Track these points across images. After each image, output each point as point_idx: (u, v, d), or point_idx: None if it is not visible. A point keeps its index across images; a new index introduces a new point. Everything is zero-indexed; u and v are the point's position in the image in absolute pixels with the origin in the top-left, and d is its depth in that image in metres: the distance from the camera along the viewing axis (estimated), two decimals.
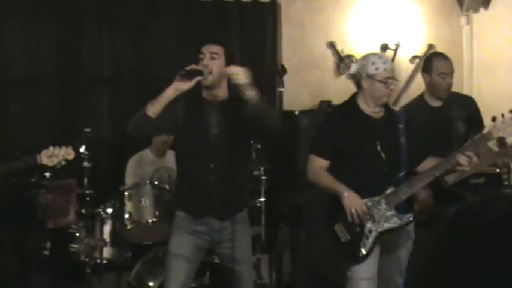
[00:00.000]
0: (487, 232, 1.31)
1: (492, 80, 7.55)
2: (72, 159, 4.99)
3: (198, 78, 4.16)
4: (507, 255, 1.29)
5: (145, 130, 4.39)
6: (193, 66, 4.19)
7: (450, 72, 5.08)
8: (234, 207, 4.36)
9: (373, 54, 4.61)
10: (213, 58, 4.25)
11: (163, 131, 4.70)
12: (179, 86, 4.15)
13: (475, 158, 4.33)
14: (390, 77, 4.39)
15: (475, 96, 7.40)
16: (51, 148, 4.85)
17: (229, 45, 4.44)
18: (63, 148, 4.86)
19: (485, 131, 4.43)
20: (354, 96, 4.54)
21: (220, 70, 4.26)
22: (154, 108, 4.15)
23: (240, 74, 4.12)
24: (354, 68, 4.50)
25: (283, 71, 4.48)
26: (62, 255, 5.49)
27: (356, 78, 4.46)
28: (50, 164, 4.84)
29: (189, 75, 4.15)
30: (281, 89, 4.47)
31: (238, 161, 4.32)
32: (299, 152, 6.29)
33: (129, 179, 6.03)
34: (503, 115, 4.33)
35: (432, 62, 5.15)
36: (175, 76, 4.17)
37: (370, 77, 4.37)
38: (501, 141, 4.91)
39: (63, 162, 4.88)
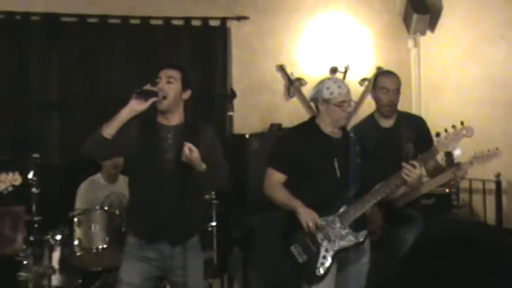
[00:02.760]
0: (445, 248, 1.47)
1: (439, 101, 7.68)
2: (20, 185, 4.91)
3: (153, 99, 4.15)
4: (462, 267, 1.45)
5: (100, 152, 4.32)
6: (148, 86, 4.17)
7: (393, 88, 5.13)
8: (186, 232, 4.33)
9: (329, 78, 4.71)
10: (169, 82, 4.25)
11: (117, 154, 4.64)
12: (134, 107, 4.12)
13: (418, 171, 4.39)
14: (346, 100, 4.47)
15: (423, 116, 7.54)
16: None
17: (186, 70, 4.42)
18: (10, 174, 4.77)
19: (431, 148, 4.50)
20: (313, 118, 4.64)
21: (176, 94, 4.26)
22: (109, 130, 4.11)
23: (194, 153, 4.13)
24: (311, 93, 4.61)
25: (233, 95, 4.49)
26: (10, 284, 5.38)
27: (314, 102, 4.59)
28: None
29: (144, 94, 4.13)
30: (231, 113, 4.45)
31: (191, 186, 4.30)
32: (250, 175, 6.29)
33: (80, 205, 5.95)
34: (446, 130, 4.41)
35: (377, 77, 5.25)
36: (129, 97, 4.14)
37: (326, 101, 4.47)
38: (448, 157, 4.99)
39: (10, 188, 4.79)
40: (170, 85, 4.24)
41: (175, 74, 4.28)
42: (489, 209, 6.99)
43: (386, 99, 5.10)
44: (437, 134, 4.47)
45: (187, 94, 4.33)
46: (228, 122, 4.44)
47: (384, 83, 5.13)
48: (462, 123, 4.45)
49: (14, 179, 4.71)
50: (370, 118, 5.28)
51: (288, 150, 4.52)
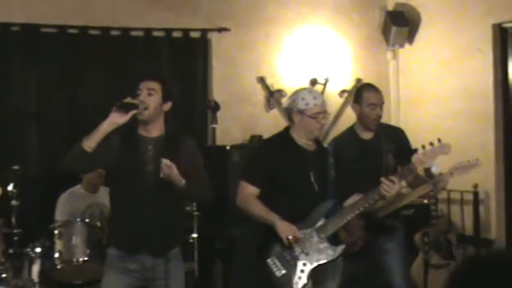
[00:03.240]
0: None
1: (418, 112, 7.75)
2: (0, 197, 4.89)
3: (134, 111, 4.15)
4: None
5: (81, 165, 4.32)
6: (128, 99, 4.18)
7: (379, 103, 5.15)
8: (167, 243, 4.33)
9: (304, 89, 4.68)
10: (150, 94, 4.25)
11: (98, 166, 4.63)
12: (115, 120, 4.12)
13: (397, 186, 4.42)
14: (321, 112, 4.45)
15: (401, 127, 7.60)
16: None
17: (167, 81, 4.43)
18: None
19: (410, 162, 4.54)
20: (287, 129, 4.59)
21: (156, 106, 4.27)
22: (90, 143, 4.10)
23: (172, 169, 4.13)
24: (286, 102, 4.56)
25: (217, 107, 4.49)
26: None
27: (288, 113, 4.53)
28: None
29: (125, 107, 4.13)
30: (214, 126, 4.45)
31: (172, 198, 4.30)
32: (231, 186, 6.29)
33: (59, 216, 5.92)
34: (423, 146, 4.45)
35: (362, 93, 5.20)
36: (109, 109, 4.14)
37: (300, 112, 4.42)
38: (427, 171, 5.03)
39: None
40: (151, 97, 4.25)
41: (156, 86, 4.28)
42: (467, 219, 7.07)
43: (375, 115, 5.12)
44: (415, 150, 4.51)
45: (167, 106, 4.34)
46: (211, 134, 4.43)
47: (370, 99, 5.12)
48: (439, 140, 4.48)
49: None
50: (350, 130, 5.29)
51: (261, 163, 4.47)
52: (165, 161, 4.11)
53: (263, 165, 4.45)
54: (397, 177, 4.44)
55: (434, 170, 4.94)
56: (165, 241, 4.30)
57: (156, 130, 4.33)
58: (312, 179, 4.43)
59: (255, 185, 4.43)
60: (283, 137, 4.56)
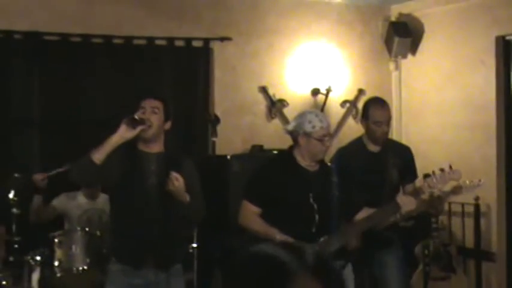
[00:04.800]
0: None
1: (420, 124, 7.74)
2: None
3: (142, 127, 4.20)
4: None
5: (90, 177, 4.35)
6: (139, 114, 4.24)
7: (385, 120, 5.16)
8: (171, 256, 4.39)
9: (310, 112, 4.72)
10: (154, 112, 4.35)
11: (105, 180, 4.64)
12: (124, 134, 4.20)
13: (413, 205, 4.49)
14: (326, 135, 4.49)
15: (403, 139, 7.63)
16: None
17: (168, 100, 4.54)
18: None
19: (417, 186, 4.56)
20: (290, 149, 4.62)
21: (159, 124, 4.37)
22: (99, 155, 4.16)
23: (180, 182, 4.21)
24: (291, 125, 4.59)
25: (217, 120, 4.53)
26: None
27: (293, 135, 4.55)
28: None
29: (133, 122, 4.19)
30: (214, 139, 4.50)
31: (174, 211, 4.33)
32: (231, 196, 6.29)
33: (57, 202, 5.92)
34: (434, 172, 4.47)
35: (368, 110, 5.22)
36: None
37: (307, 134, 4.46)
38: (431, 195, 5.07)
39: None
40: (155, 115, 4.36)
41: (159, 105, 4.40)
42: (468, 231, 7.07)
43: (380, 132, 5.15)
44: (426, 176, 4.53)
45: (168, 125, 4.46)
46: (211, 147, 4.45)
47: (376, 117, 5.14)
48: (450, 167, 4.51)
49: None
50: (358, 141, 5.32)
51: (263, 183, 4.53)
52: (175, 174, 4.16)
53: (264, 186, 4.52)
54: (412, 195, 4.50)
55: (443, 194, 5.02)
56: (169, 254, 4.37)
57: (156, 147, 4.44)
58: (311, 200, 4.47)
59: (256, 205, 4.51)
60: (286, 158, 4.61)
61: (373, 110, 5.18)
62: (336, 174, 4.61)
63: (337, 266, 4.45)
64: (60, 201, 6.00)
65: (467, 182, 5.03)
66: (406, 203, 4.48)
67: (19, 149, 6.47)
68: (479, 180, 4.95)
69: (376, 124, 5.13)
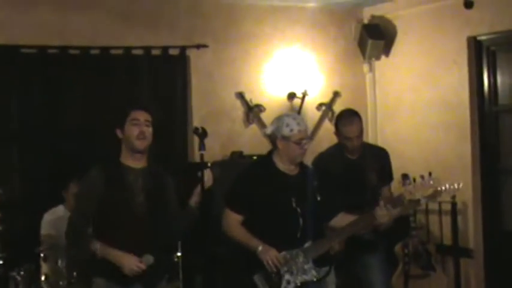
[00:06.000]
0: None
1: (395, 124, 7.85)
2: None
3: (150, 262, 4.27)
4: None
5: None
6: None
7: (356, 135, 5.21)
8: (159, 273, 4.39)
9: (288, 115, 4.73)
10: (147, 126, 4.37)
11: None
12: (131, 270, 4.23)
13: (389, 214, 4.55)
14: (304, 138, 4.53)
15: (379, 139, 7.74)
16: None
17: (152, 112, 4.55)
18: None
19: (400, 193, 4.61)
20: (269, 154, 4.64)
21: (151, 137, 4.40)
22: (100, 254, 4.23)
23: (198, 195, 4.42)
24: (269, 129, 4.59)
25: (204, 134, 4.56)
26: None
27: (271, 139, 4.58)
28: None
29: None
30: (202, 152, 4.53)
31: (161, 228, 4.35)
32: (212, 203, 6.32)
33: (45, 231, 5.90)
34: (414, 180, 4.55)
35: (338, 127, 5.27)
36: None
37: (285, 138, 4.49)
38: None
39: None
40: (148, 128, 4.37)
41: (150, 117, 4.41)
42: (445, 229, 7.18)
43: (351, 146, 5.24)
44: (404, 176, 4.60)
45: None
46: (200, 160, 4.50)
47: (346, 133, 5.22)
48: (430, 174, 4.58)
49: None
50: (337, 147, 5.38)
51: (244, 191, 4.54)
52: (198, 189, 4.32)
53: (245, 193, 4.53)
54: (391, 205, 4.54)
55: (423, 202, 5.10)
56: (157, 271, 4.36)
57: (143, 161, 4.43)
58: (294, 204, 4.50)
59: (238, 213, 4.53)
60: (265, 163, 4.62)
61: (342, 126, 5.24)
62: (316, 176, 4.65)
63: (322, 272, 4.53)
64: (47, 225, 5.97)
65: (447, 185, 5.11)
66: (381, 216, 4.53)
67: None
68: (458, 184, 5.03)
69: (347, 140, 5.22)
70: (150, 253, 4.27)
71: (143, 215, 4.29)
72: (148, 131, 4.36)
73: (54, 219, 5.97)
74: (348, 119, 5.27)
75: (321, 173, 4.73)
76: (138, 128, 4.32)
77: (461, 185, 4.84)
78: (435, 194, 4.97)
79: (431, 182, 4.55)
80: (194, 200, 4.46)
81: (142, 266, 4.20)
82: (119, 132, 4.40)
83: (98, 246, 4.23)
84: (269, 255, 4.38)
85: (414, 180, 4.55)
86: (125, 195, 4.30)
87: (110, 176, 4.32)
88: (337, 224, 4.64)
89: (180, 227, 4.55)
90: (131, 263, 4.20)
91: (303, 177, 4.61)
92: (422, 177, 4.54)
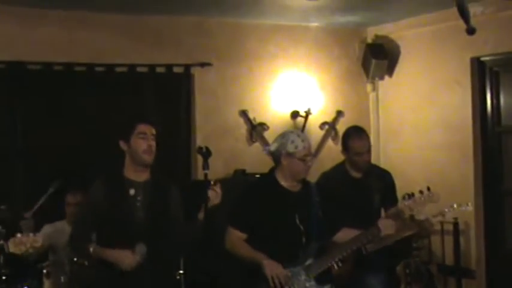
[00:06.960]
0: None
1: (397, 144, 7.87)
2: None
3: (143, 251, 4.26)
4: None
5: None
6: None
7: (366, 150, 5.25)
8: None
9: (292, 132, 4.73)
10: (153, 139, 4.39)
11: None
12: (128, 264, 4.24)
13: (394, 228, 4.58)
14: (309, 154, 4.54)
15: (381, 159, 7.74)
16: (18, 235, 4.50)
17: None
18: (31, 235, 4.58)
19: (398, 207, 4.63)
20: (272, 171, 4.66)
21: (155, 151, 4.41)
22: (96, 255, 4.27)
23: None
24: (273, 146, 4.58)
25: (208, 153, 4.55)
26: None
27: (275, 156, 4.58)
28: (18, 252, 4.43)
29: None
30: (206, 171, 4.53)
31: (162, 244, 4.35)
32: (215, 220, 6.33)
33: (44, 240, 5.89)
34: (413, 194, 4.55)
35: (348, 142, 5.30)
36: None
37: (289, 155, 4.48)
38: (411, 216, 5.15)
39: (31, 250, 4.61)
40: (154, 142, 4.40)
41: (154, 131, 4.43)
42: (447, 249, 7.18)
43: (362, 162, 5.24)
44: (404, 197, 4.61)
45: None
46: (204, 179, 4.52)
47: (357, 148, 5.22)
48: (429, 188, 4.58)
49: (34, 240, 4.49)
50: (341, 166, 5.39)
51: (247, 209, 4.52)
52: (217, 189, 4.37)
53: (248, 212, 4.51)
54: (392, 218, 4.56)
55: (421, 218, 5.08)
56: (160, 285, 4.36)
57: (146, 174, 4.42)
58: (297, 221, 4.50)
59: (241, 231, 4.51)
60: (268, 181, 4.62)
61: (352, 142, 5.25)
62: (319, 194, 4.65)
63: None
64: (45, 234, 5.97)
65: (455, 205, 5.11)
66: (386, 226, 4.55)
67: (2, 179, 6.45)
68: (467, 204, 5.02)
69: (358, 155, 5.22)
70: (151, 270, 4.27)
71: (142, 230, 4.28)
72: (154, 144, 4.38)
73: (52, 232, 5.97)
74: (357, 134, 5.31)
75: (323, 190, 4.73)
76: (146, 142, 4.34)
77: (471, 206, 4.84)
78: (444, 213, 4.99)
79: (430, 197, 4.56)
80: (202, 215, 4.44)
81: (137, 257, 4.20)
82: (122, 144, 4.39)
83: (92, 248, 4.25)
84: (274, 270, 4.37)
85: (413, 194, 4.56)
86: (124, 210, 4.30)
87: (111, 190, 4.33)
88: (340, 239, 4.64)
89: (183, 238, 4.52)
90: (126, 256, 4.20)
91: (306, 193, 4.61)
92: (421, 192, 4.55)
